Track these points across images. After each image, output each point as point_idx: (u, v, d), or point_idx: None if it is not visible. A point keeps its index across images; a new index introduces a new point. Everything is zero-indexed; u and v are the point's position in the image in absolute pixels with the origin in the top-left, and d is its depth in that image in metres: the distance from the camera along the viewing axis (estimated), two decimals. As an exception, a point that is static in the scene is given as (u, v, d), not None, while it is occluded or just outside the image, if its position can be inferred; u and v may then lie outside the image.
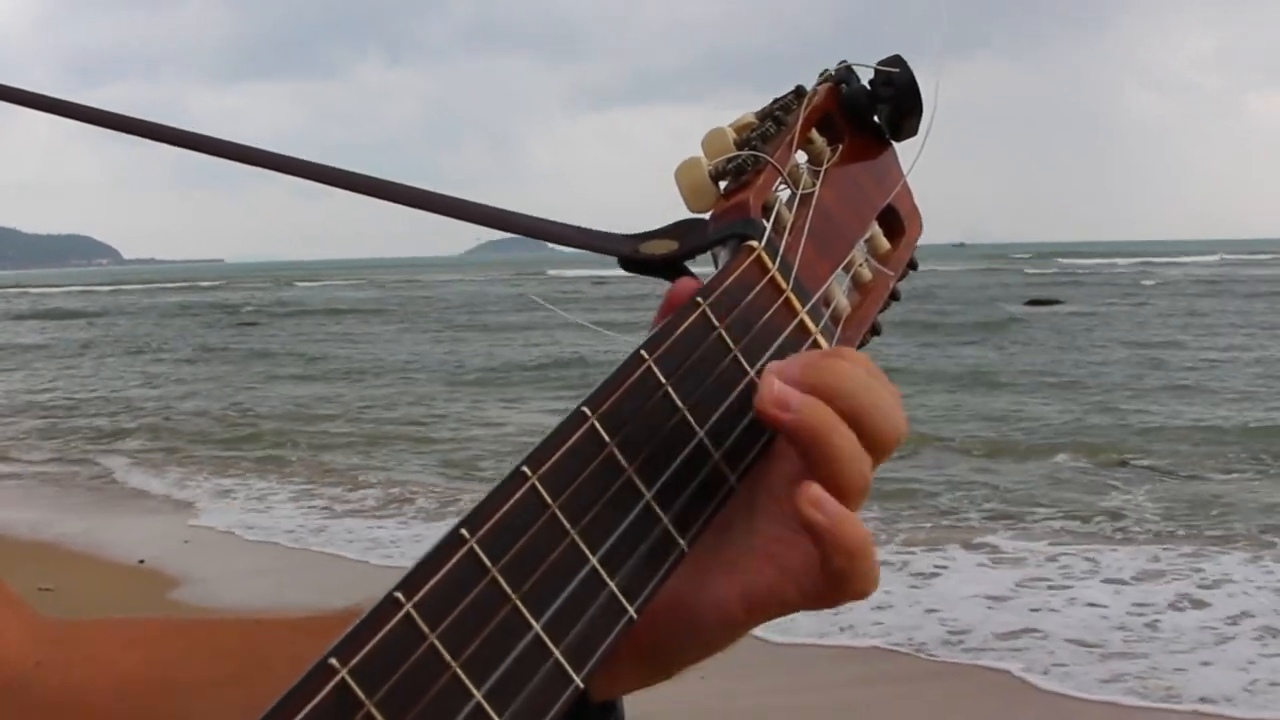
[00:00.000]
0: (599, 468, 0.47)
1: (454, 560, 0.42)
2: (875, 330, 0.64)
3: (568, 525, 0.45)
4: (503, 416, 14.39)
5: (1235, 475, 10.02)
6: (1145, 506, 8.76)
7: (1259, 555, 7.30)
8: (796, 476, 0.51)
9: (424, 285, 60.69)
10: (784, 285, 0.56)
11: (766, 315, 0.55)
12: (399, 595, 0.40)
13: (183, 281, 79.11)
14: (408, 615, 0.40)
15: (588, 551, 0.46)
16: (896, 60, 0.64)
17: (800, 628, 5.66)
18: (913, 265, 0.68)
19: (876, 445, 0.51)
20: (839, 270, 0.62)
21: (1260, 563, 7.14)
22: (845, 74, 0.65)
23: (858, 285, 0.64)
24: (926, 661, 5.59)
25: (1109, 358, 19.64)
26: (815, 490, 0.49)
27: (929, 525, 8.21)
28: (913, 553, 7.40)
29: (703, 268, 0.58)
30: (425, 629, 0.40)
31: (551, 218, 0.61)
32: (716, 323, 0.53)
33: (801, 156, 0.63)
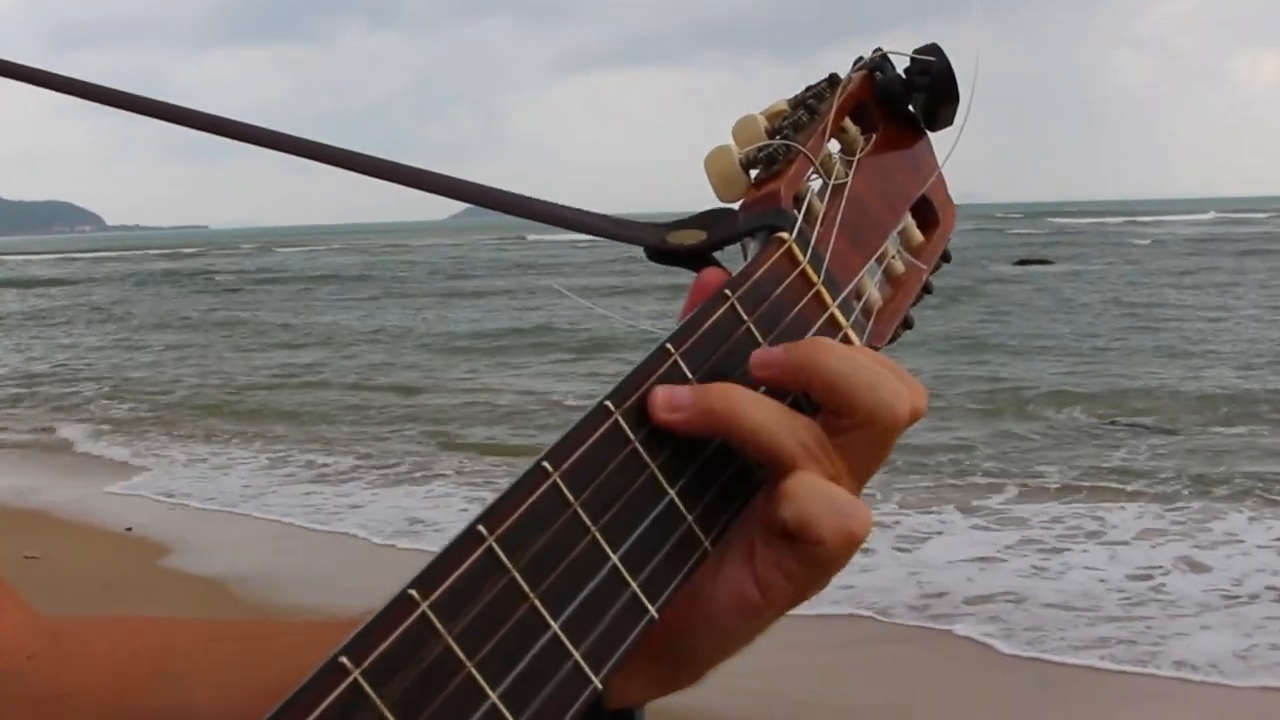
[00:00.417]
0: (622, 464, 0.46)
1: (472, 558, 0.41)
2: (908, 324, 0.63)
3: (589, 523, 0.44)
4: (483, 382, 14.33)
5: (1239, 431, 10.04)
6: (1147, 465, 8.77)
7: (1260, 514, 7.31)
8: None
9: (410, 250, 60.35)
10: (815, 278, 0.55)
11: (796, 308, 0.54)
12: (413, 593, 0.39)
13: (164, 248, 78.56)
14: (423, 614, 0.39)
15: (609, 550, 0.45)
16: (933, 49, 0.63)
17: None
18: (946, 258, 0.67)
19: (857, 417, 0.49)
20: (871, 262, 0.60)
21: (1263, 521, 7.15)
22: (880, 62, 0.64)
23: (890, 278, 0.63)
24: (893, 626, 5.60)
25: (1101, 316, 19.68)
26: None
27: (927, 486, 8.20)
28: (907, 514, 7.40)
29: (730, 257, 0.57)
30: (441, 628, 0.39)
31: (556, 200, 0.60)
32: (745, 316, 0.52)
33: (834, 146, 0.62)
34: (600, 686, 0.43)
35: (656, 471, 0.47)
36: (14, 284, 39.11)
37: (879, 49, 0.64)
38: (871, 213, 0.61)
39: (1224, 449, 9.33)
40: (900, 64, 0.64)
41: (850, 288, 0.58)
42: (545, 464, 0.44)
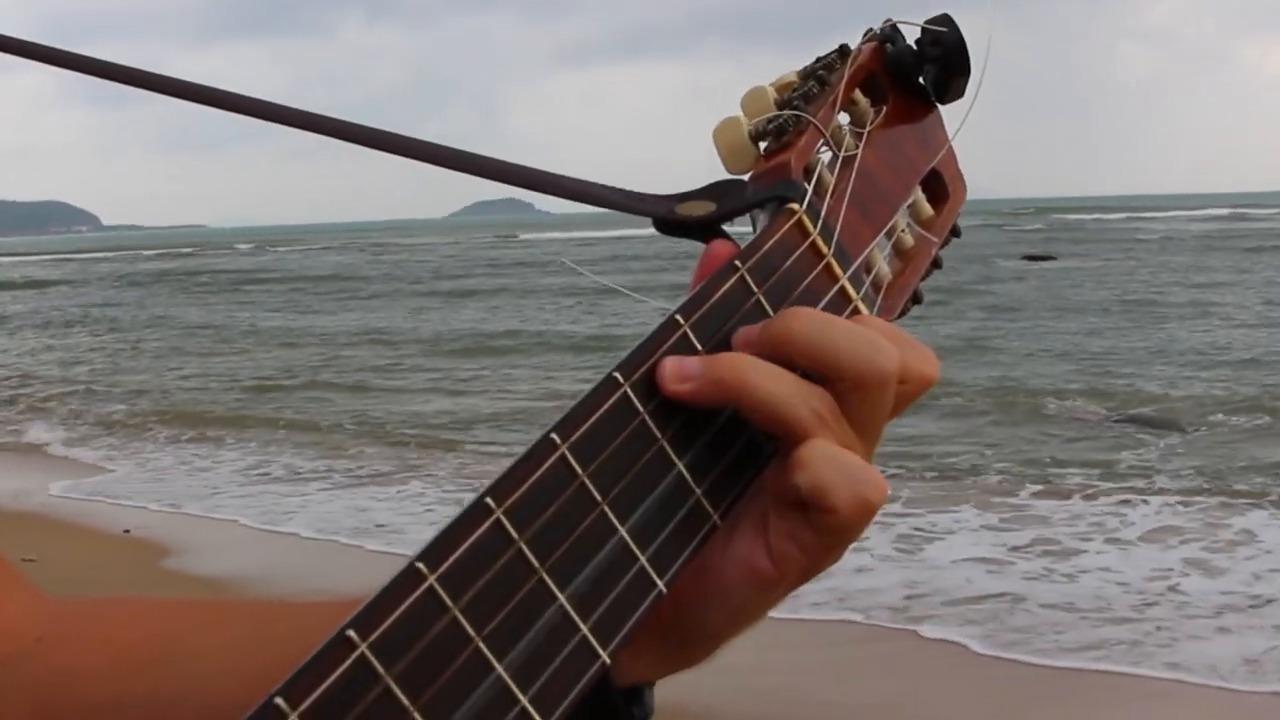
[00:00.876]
0: (630, 437, 0.46)
1: (480, 530, 0.40)
2: (917, 298, 0.63)
3: (597, 495, 0.44)
4: (481, 384, 14.29)
5: (1252, 430, 10.01)
6: (1159, 465, 8.74)
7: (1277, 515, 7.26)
8: None
9: (408, 249, 60.20)
10: (825, 250, 0.55)
11: (806, 281, 0.54)
12: (421, 566, 0.39)
13: (158, 248, 78.20)
14: (430, 588, 0.39)
15: (617, 523, 0.45)
16: (945, 19, 0.62)
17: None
18: (956, 232, 0.67)
19: (847, 378, 0.49)
20: (881, 235, 0.60)
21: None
22: (891, 33, 0.64)
23: (900, 251, 0.62)
24: (891, 625, 5.58)
25: (1109, 313, 19.63)
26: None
27: (935, 485, 8.18)
28: (914, 514, 7.36)
29: (740, 229, 0.57)
30: (448, 601, 0.39)
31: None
32: (755, 288, 0.51)
33: (844, 118, 0.62)
34: (608, 661, 0.43)
35: (665, 444, 0.47)
36: (3, 286, 39.03)
37: (890, 19, 0.64)
38: (882, 185, 0.61)
39: (1238, 448, 9.30)
40: (911, 35, 0.63)
41: (860, 260, 0.57)
42: (553, 436, 0.43)
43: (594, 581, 0.43)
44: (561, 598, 0.42)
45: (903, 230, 0.62)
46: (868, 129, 0.61)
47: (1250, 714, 4.67)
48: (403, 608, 0.38)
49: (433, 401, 12.86)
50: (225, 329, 22.27)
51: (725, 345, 0.50)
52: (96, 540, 7.35)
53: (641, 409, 0.46)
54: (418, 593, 0.38)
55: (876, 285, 0.59)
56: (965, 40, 0.62)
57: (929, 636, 5.44)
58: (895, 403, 0.51)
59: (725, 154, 0.58)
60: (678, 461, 0.47)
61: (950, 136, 0.66)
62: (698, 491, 0.48)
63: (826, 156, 0.58)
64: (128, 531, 7.54)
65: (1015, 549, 6.71)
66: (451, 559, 0.39)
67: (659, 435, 0.47)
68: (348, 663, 0.36)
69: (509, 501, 0.41)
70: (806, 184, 0.56)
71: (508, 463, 0.42)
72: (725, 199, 0.56)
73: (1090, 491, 7.95)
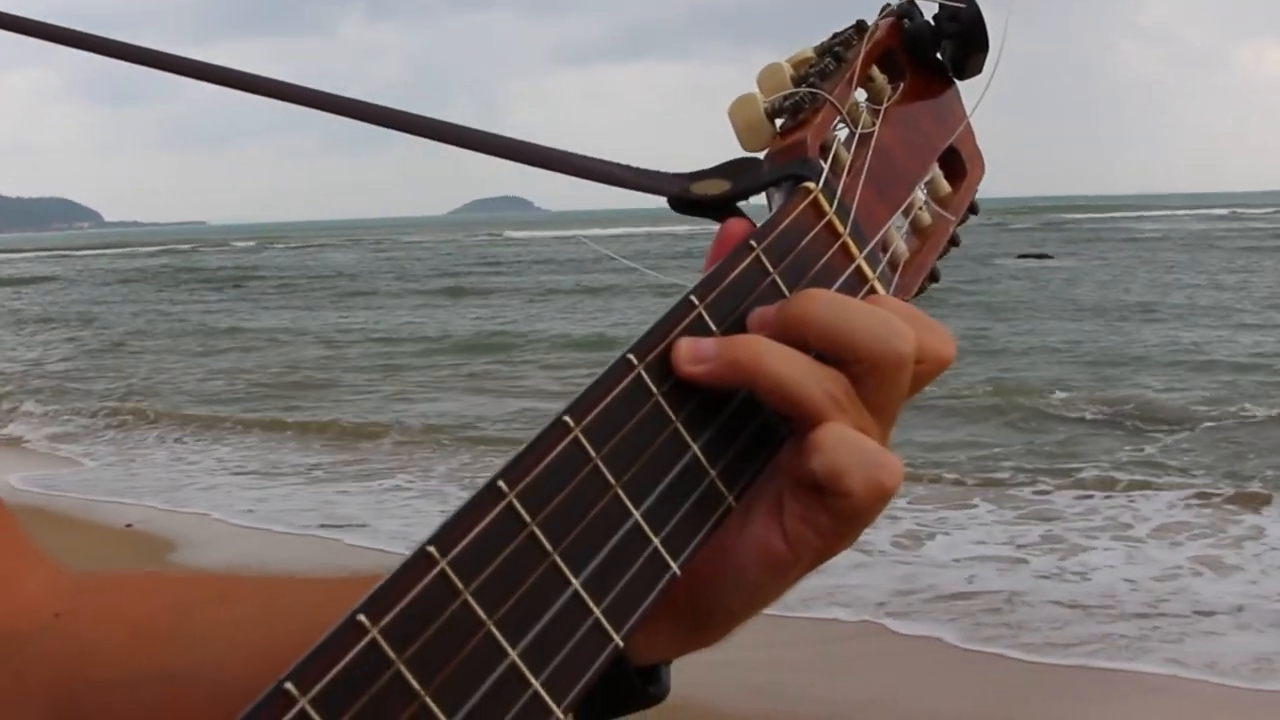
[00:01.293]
0: (644, 419, 0.45)
1: (491, 514, 0.40)
2: (934, 277, 0.63)
3: (611, 478, 0.44)
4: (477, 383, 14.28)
5: (1255, 425, 9.99)
6: (1163, 462, 8.74)
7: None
8: None
9: (403, 246, 60.20)
10: (841, 229, 0.54)
11: (822, 260, 0.53)
12: (432, 550, 0.38)
13: (156, 245, 78.31)
14: (442, 571, 0.38)
15: (631, 506, 0.44)
16: None
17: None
18: (974, 209, 0.66)
19: (863, 361, 0.49)
20: (898, 214, 0.60)
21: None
22: (909, 8, 0.63)
23: (917, 229, 0.62)
24: (888, 623, 5.58)
25: (1108, 311, 19.63)
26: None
27: (938, 484, 8.17)
28: (917, 512, 7.34)
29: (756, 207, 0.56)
30: (459, 585, 0.39)
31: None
32: (770, 267, 0.51)
33: (861, 95, 0.61)
34: (621, 644, 0.43)
35: (680, 426, 0.47)
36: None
37: None
38: (898, 163, 0.60)
39: (1242, 444, 9.29)
40: (929, 11, 0.63)
41: (877, 239, 0.57)
42: (566, 418, 0.43)
43: (607, 564, 0.43)
44: (574, 581, 0.42)
45: (920, 208, 0.62)
46: (885, 106, 0.61)
47: (1253, 712, 4.67)
48: (414, 592, 0.38)
49: (439, 401, 12.87)
50: (214, 327, 22.24)
51: (740, 326, 0.49)
52: (98, 534, 7.35)
53: (656, 390, 0.46)
54: (429, 577, 0.38)
55: (893, 264, 0.58)
56: (983, 16, 0.61)
57: (928, 634, 5.45)
58: (912, 383, 0.51)
59: (741, 131, 0.57)
60: (692, 443, 0.47)
61: (968, 113, 0.66)
62: (712, 473, 0.47)
63: (843, 134, 0.58)
64: (130, 525, 7.55)
65: (1022, 545, 6.72)
66: (463, 543, 0.39)
67: (673, 417, 0.46)
68: (358, 647, 0.36)
69: (521, 485, 0.41)
70: (823, 162, 0.55)
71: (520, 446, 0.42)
72: (740, 177, 0.56)
73: (1091, 491, 7.96)
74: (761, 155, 0.57)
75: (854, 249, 0.55)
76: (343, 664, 0.36)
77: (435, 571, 0.38)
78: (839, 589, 5.76)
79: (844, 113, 0.57)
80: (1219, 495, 7.63)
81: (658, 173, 0.57)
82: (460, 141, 0.59)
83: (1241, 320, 17.92)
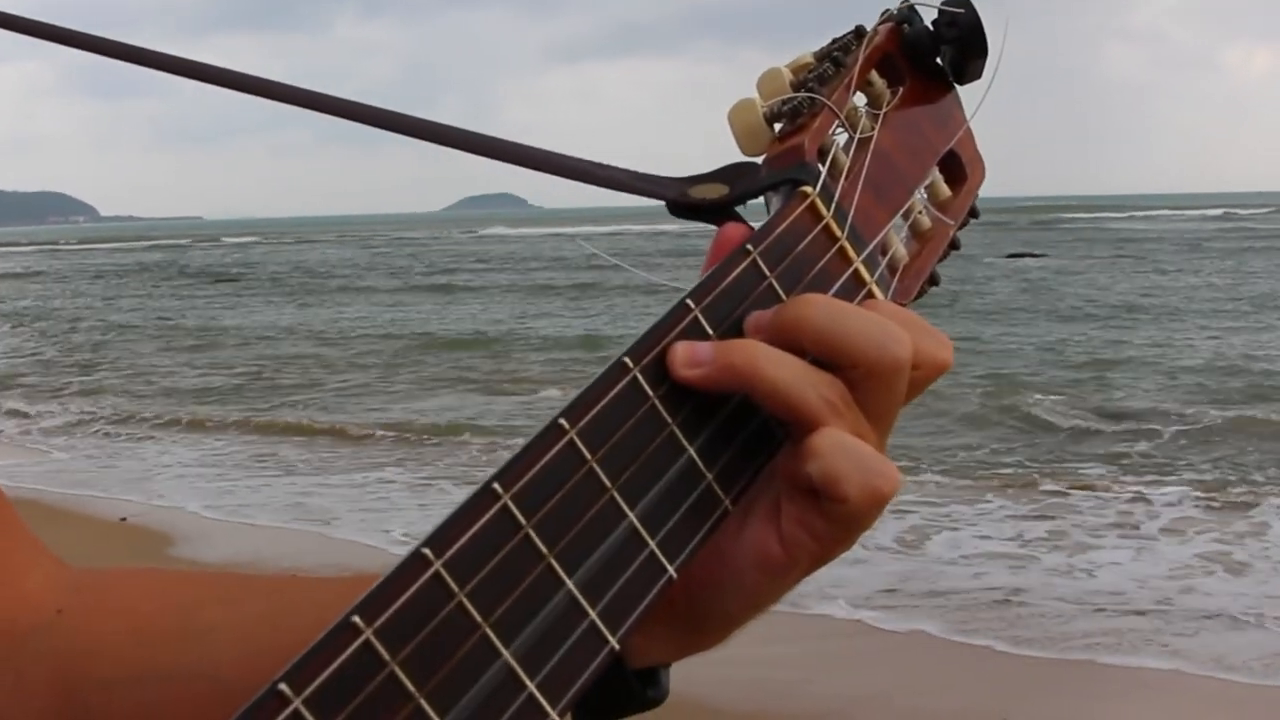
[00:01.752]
0: (640, 422, 0.45)
1: (486, 516, 0.40)
2: (934, 280, 0.63)
3: (606, 481, 0.44)
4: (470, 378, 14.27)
5: (1251, 424, 10.01)
6: (1158, 461, 8.75)
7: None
8: None
9: (397, 243, 60.06)
10: (838, 233, 0.55)
11: (820, 264, 0.53)
12: (427, 552, 0.38)
13: (149, 239, 77.92)
14: (437, 573, 0.38)
15: (626, 508, 0.44)
16: (962, 0, 0.62)
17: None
18: (974, 214, 0.66)
19: (860, 366, 0.49)
20: (897, 218, 0.60)
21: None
22: (908, 13, 0.63)
23: (916, 234, 0.62)
24: (885, 621, 5.59)
25: (1103, 310, 19.66)
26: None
27: (940, 483, 8.16)
28: (919, 510, 7.35)
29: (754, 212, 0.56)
30: (454, 587, 0.39)
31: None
32: (767, 271, 0.51)
33: (860, 99, 0.61)
34: (617, 647, 0.43)
35: (675, 429, 0.47)
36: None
37: (906, 0, 0.63)
38: (898, 167, 0.60)
39: (1238, 444, 9.30)
40: (928, 16, 0.63)
41: (875, 243, 0.57)
42: (562, 421, 0.43)
43: (603, 567, 0.43)
44: (569, 583, 0.42)
45: (920, 212, 0.62)
46: (884, 111, 0.61)
47: (1256, 707, 4.69)
48: (408, 594, 0.38)
49: (440, 396, 12.86)
50: (208, 322, 22.17)
51: (737, 330, 0.49)
52: (93, 528, 7.30)
53: (651, 394, 0.46)
54: (424, 579, 0.38)
55: (892, 268, 0.58)
56: (982, 21, 0.61)
57: (927, 630, 5.46)
58: (909, 388, 0.51)
59: (740, 135, 0.57)
60: (688, 446, 0.47)
61: (968, 117, 0.66)
62: (709, 476, 0.47)
63: (842, 138, 0.58)
64: (124, 519, 7.53)
65: (1027, 542, 6.73)
66: (458, 545, 0.39)
67: (669, 420, 0.46)
68: (352, 648, 0.36)
69: (516, 487, 0.41)
70: (821, 166, 0.55)
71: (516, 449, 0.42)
72: (738, 181, 0.56)
73: (1086, 490, 7.96)
74: (760, 160, 0.57)
75: (851, 253, 0.55)
76: (336, 665, 0.36)
77: (430, 573, 0.38)
78: (834, 585, 5.76)
79: (842, 117, 0.57)
80: (1219, 495, 7.65)
81: (656, 177, 0.57)
82: (466, 146, 0.58)
83: (1236, 326, 17.99)
